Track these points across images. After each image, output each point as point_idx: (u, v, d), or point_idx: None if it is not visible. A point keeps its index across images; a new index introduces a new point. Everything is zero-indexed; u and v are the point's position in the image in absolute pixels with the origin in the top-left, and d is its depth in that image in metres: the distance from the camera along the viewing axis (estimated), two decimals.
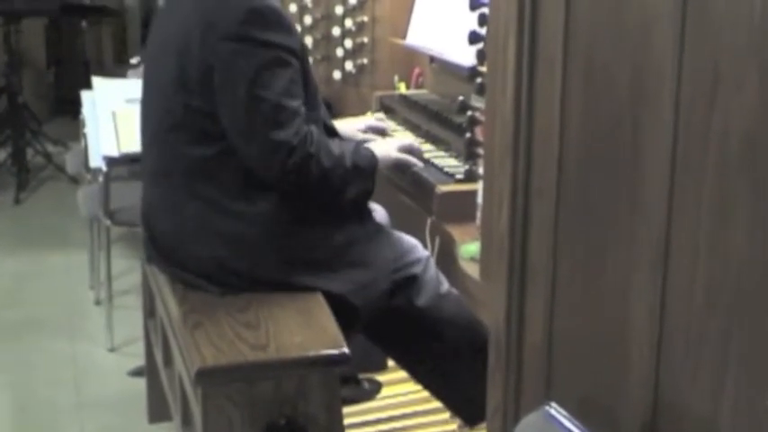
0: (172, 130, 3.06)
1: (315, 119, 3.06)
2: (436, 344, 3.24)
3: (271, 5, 2.94)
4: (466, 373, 3.14)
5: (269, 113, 2.91)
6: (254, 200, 3.02)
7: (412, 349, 3.32)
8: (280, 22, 2.94)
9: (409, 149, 3.35)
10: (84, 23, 9.04)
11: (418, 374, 3.42)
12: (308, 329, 2.89)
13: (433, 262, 3.28)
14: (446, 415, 3.64)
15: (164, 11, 3.33)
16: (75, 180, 5.65)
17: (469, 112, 2.93)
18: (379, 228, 3.24)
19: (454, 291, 3.18)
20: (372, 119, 3.75)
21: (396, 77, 4.15)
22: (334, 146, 3.08)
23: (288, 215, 3.04)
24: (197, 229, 3.05)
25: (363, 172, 3.11)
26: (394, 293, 3.17)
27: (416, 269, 3.21)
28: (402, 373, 3.91)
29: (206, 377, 2.75)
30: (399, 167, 3.31)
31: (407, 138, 3.57)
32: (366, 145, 3.25)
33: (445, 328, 3.21)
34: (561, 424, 1.89)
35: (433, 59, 3.91)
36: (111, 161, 4.47)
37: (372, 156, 3.17)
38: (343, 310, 3.09)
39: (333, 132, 3.22)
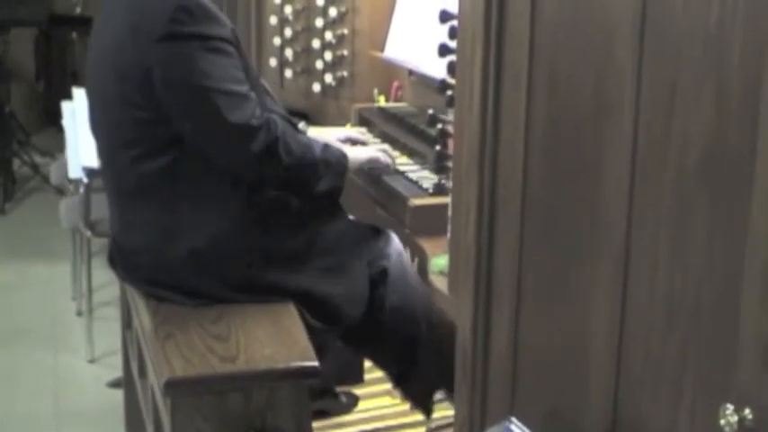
0: (124, 147, 3.01)
1: (261, 103, 3.02)
2: (407, 342, 3.23)
3: (195, 0, 2.92)
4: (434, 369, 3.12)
5: (219, 101, 2.88)
6: (220, 201, 2.99)
7: (384, 348, 3.30)
8: (207, 14, 2.91)
9: (384, 152, 3.37)
10: (73, 34, 9.04)
11: (389, 370, 3.41)
12: (278, 341, 2.88)
13: (404, 257, 3.25)
14: (422, 429, 3.63)
15: (98, 23, 3.28)
16: (60, 191, 5.65)
17: (440, 125, 2.92)
18: (352, 223, 3.22)
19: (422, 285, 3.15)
20: (353, 130, 3.74)
21: (375, 90, 4.14)
22: (302, 137, 3.07)
23: (256, 214, 3.01)
24: (164, 242, 3.02)
25: (334, 166, 3.09)
26: (371, 287, 3.15)
27: (386, 262, 3.19)
28: (380, 387, 3.91)
29: (175, 388, 2.73)
30: (370, 167, 3.32)
31: (380, 146, 3.56)
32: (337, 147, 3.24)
33: (415, 324, 3.18)
34: None
35: (411, 72, 3.91)
36: (90, 172, 4.45)
37: (342, 153, 3.16)
38: (322, 308, 3.09)
39: (293, 126, 3.19)
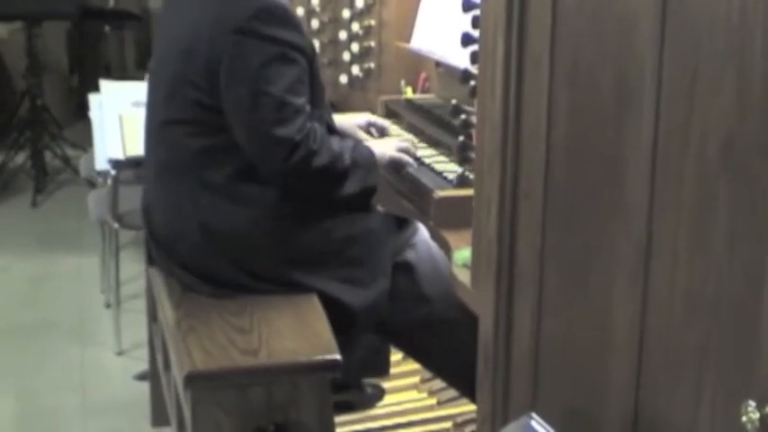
0: (173, 122, 3.06)
1: (318, 117, 3.04)
2: (440, 333, 3.20)
3: (280, 3, 2.96)
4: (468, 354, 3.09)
5: (272, 109, 2.90)
6: (254, 195, 3.01)
7: (418, 340, 3.28)
8: (288, 19, 2.95)
9: (406, 150, 3.34)
10: (106, 28, 9.07)
11: (428, 364, 3.39)
12: (300, 335, 2.86)
13: (433, 248, 3.22)
14: (449, 424, 3.61)
15: (166, 14, 3.32)
16: (90, 183, 5.66)
17: (463, 116, 2.89)
18: (379, 216, 3.21)
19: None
20: (372, 116, 3.73)
21: (402, 82, 4.11)
22: (335, 143, 3.07)
23: (288, 211, 3.03)
24: (194, 220, 3.04)
25: (362, 168, 3.10)
26: (394, 282, 3.13)
27: (413, 254, 3.17)
28: (406, 381, 3.89)
29: (195, 382, 2.72)
30: (394, 166, 3.30)
31: (405, 137, 3.54)
32: (364, 143, 3.24)
33: (450, 312, 3.15)
34: None
35: (438, 63, 3.87)
36: (117, 164, 4.45)
37: (371, 153, 3.16)
38: (344, 311, 3.07)
39: (332, 131, 3.20)
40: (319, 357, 2.78)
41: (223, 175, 3.02)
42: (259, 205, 3.01)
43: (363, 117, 3.65)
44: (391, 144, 3.38)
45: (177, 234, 3.10)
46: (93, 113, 4.82)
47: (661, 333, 1.77)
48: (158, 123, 3.17)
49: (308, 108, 2.98)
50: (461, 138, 2.93)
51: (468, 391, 3.20)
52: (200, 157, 3.03)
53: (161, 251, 3.21)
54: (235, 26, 2.91)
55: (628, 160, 1.81)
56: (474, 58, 2.71)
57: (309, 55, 3.01)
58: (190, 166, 3.05)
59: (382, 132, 3.61)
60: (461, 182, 3.03)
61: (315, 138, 2.97)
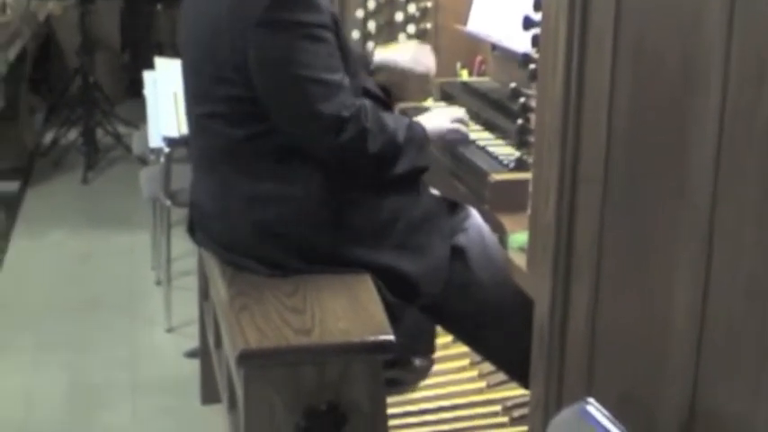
0: (212, 116, 3.05)
1: (356, 86, 3.03)
2: (492, 317, 3.19)
3: None
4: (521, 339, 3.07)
5: (313, 90, 2.89)
6: (301, 179, 3.00)
7: (470, 324, 3.27)
8: (304, 1, 2.91)
9: (460, 120, 3.35)
10: (158, 6, 9.10)
11: (479, 348, 3.38)
12: (354, 315, 2.86)
13: (486, 232, 3.21)
14: (498, 408, 3.60)
15: (186, 4, 3.29)
16: (142, 161, 5.69)
17: (522, 99, 2.88)
18: (432, 198, 3.20)
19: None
20: (417, 44, 3.73)
21: (458, 65, 4.09)
22: (389, 120, 3.06)
23: (336, 191, 3.02)
24: (242, 210, 3.03)
25: (416, 145, 3.10)
26: (449, 264, 3.13)
27: (464, 238, 3.17)
28: (456, 363, 3.89)
29: (248, 360, 2.72)
30: (449, 141, 3.31)
31: (456, 109, 3.52)
32: (417, 118, 3.24)
33: (500, 299, 3.14)
34: (597, 421, 1.83)
35: (494, 47, 3.86)
36: (171, 142, 4.47)
37: (424, 131, 3.16)
38: (402, 283, 3.07)
39: (383, 104, 3.19)
40: (372, 338, 2.78)
41: (269, 162, 3.01)
42: (306, 189, 3.00)
43: (408, 47, 3.66)
44: (445, 115, 3.38)
45: (229, 225, 3.10)
46: (148, 91, 4.85)
47: (721, 321, 1.75)
48: (196, 117, 3.18)
49: (347, 82, 2.97)
50: (520, 121, 2.91)
51: (519, 376, 3.19)
52: (244, 147, 3.03)
53: (211, 239, 3.21)
54: (253, 19, 2.88)
55: (692, 144, 1.79)
56: (535, 41, 2.69)
57: (333, 29, 2.99)
58: (232, 155, 3.05)
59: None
60: (519, 165, 3.01)
61: (366, 116, 2.96)
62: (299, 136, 2.98)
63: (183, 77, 3.24)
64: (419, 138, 3.12)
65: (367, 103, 3.01)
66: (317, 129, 2.94)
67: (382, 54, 3.54)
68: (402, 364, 3.43)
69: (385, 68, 3.52)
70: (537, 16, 2.64)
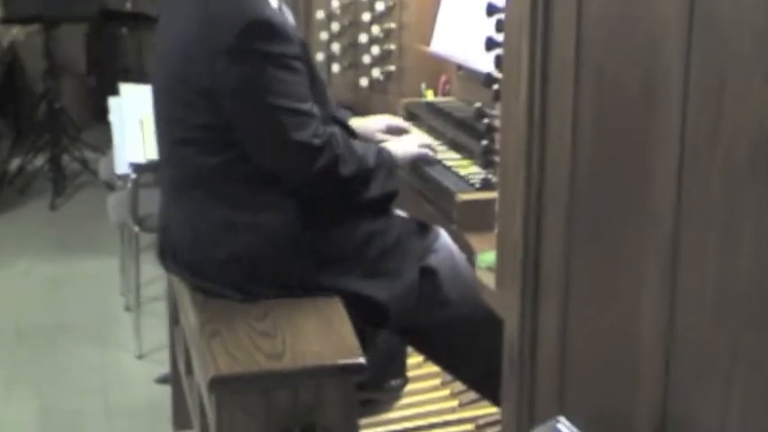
0: (182, 143, 3.06)
1: (325, 115, 3.04)
2: (462, 336, 3.20)
3: (266, 17, 2.92)
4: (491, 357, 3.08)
5: (284, 119, 2.90)
6: (273, 207, 3.01)
7: (440, 344, 3.28)
8: (276, 32, 2.92)
9: (427, 146, 3.39)
10: (124, 30, 9.09)
11: (450, 367, 3.39)
12: (325, 338, 2.87)
13: (456, 253, 3.23)
14: (471, 426, 3.61)
15: (162, 17, 3.29)
16: (109, 186, 5.68)
17: (486, 120, 2.90)
18: (401, 220, 3.22)
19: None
20: (392, 118, 3.73)
21: (423, 85, 4.11)
22: (358, 146, 3.08)
23: (308, 219, 3.03)
24: (215, 237, 3.04)
25: (384, 172, 3.13)
26: (420, 285, 3.14)
27: (434, 259, 3.18)
28: (428, 383, 3.90)
29: (220, 385, 2.73)
30: (417, 163, 3.34)
31: (423, 136, 3.55)
32: (385, 144, 3.28)
33: (471, 318, 3.15)
34: None
35: (459, 67, 3.88)
36: (137, 168, 4.47)
37: (392, 156, 3.20)
38: (371, 309, 3.08)
39: (350, 132, 3.21)
40: (344, 360, 2.79)
41: (240, 190, 3.03)
42: (279, 216, 3.01)
43: (383, 119, 3.65)
44: (412, 141, 3.41)
45: (200, 252, 3.10)
46: (113, 116, 4.84)
47: (690, 336, 1.76)
48: (167, 144, 3.18)
49: (316, 111, 2.98)
50: (485, 141, 2.93)
51: (490, 394, 3.20)
52: (214, 174, 3.03)
53: (182, 266, 3.20)
54: (223, 48, 2.89)
55: (655, 164, 1.81)
56: (498, 61, 2.71)
57: (304, 58, 3.01)
58: (205, 183, 3.05)
59: (401, 133, 3.61)
60: (485, 185, 3.03)
61: (337, 142, 2.98)
62: (271, 165, 2.98)
63: (154, 102, 3.24)
64: (388, 162, 3.14)
65: (337, 130, 3.02)
66: (290, 157, 2.95)
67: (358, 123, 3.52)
68: (375, 385, 3.44)
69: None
70: (499, 37, 2.66)
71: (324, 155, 2.95)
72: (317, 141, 2.94)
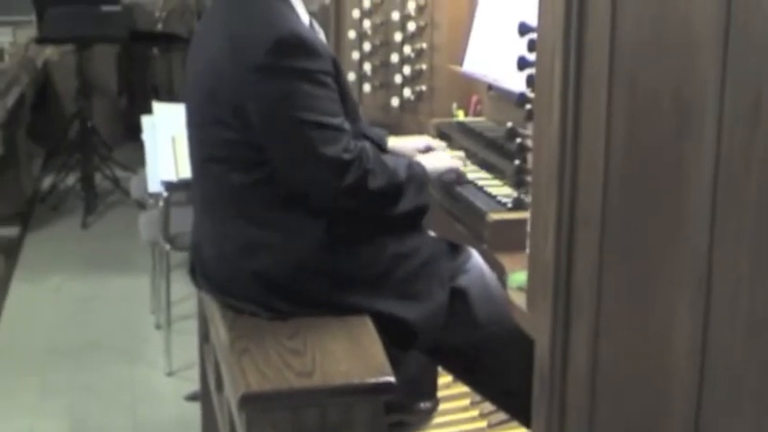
0: (212, 161, 3.06)
1: (356, 131, 3.04)
2: (493, 357, 3.19)
3: (297, 33, 2.93)
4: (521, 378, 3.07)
5: (314, 134, 2.90)
6: (303, 226, 3.01)
7: (470, 364, 3.27)
8: (305, 47, 2.93)
9: (458, 160, 3.39)
10: (155, 50, 9.14)
11: (480, 387, 3.38)
12: (354, 357, 2.86)
13: (487, 273, 3.22)
14: None
15: (197, 35, 3.34)
16: (140, 205, 5.70)
17: (519, 139, 2.90)
18: (431, 241, 3.21)
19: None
20: (430, 139, 3.72)
21: (454, 105, 4.11)
22: (389, 160, 3.08)
23: (338, 238, 3.03)
24: (244, 255, 3.04)
25: (415, 185, 3.11)
26: (451, 305, 3.13)
27: (465, 279, 3.17)
28: (456, 403, 3.89)
29: (250, 403, 2.73)
30: (446, 178, 3.33)
31: (458, 153, 3.55)
32: (416, 159, 3.27)
33: (501, 338, 3.14)
34: None
35: (490, 87, 3.88)
36: (169, 186, 4.48)
37: (424, 170, 3.18)
38: (400, 330, 3.07)
39: (382, 150, 3.20)
40: (373, 379, 2.78)
41: (269, 210, 3.02)
42: (309, 235, 3.01)
43: (422, 140, 3.64)
44: (444, 158, 3.40)
45: (229, 271, 3.10)
46: (146, 135, 4.86)
47: (722, 359, 1.76)
48: (198, 159, 3.19)
49: (347, 127, 2.98)
50: (517, 161, 2.93)
51: (519, 415, 3.19)
52: (244, 193, 3.03)
53: (212, 284, 3.21)
54: (254, 64, 2.90)
55: (688, 183, 1.80)
56: (530, 81, 2.71)
57: (334, 74, 3.01)
58: (234, 201, 3.05)
59: None
60: (517, 205, 3.02)
61: (368, 157, 2.98)
62: (301, 181, 2.99)
63: (187, 121, 3.25)
64: (419, 176, 3.13)
65: (367, 144, 3.02)
66: (319, 172, 2.95)
67: (396, 143, 3.52)
68: (405, 407, 3.44)
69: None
70: (532, 56, 2.66)
71: (353, 170, 2.94)
72: (346, 156, 2.94)
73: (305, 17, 3.08)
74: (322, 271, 3.03)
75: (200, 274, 3.24)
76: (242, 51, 2.93)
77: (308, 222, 3.01)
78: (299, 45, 2.91)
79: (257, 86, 2.90)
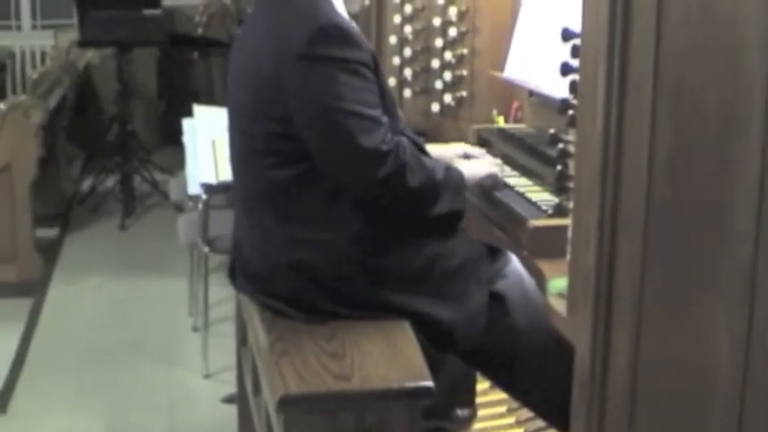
0: (253, 155, 3.08)
1: (394, 127, 3.04)
2: (531, 363, 3.18)
3: (336, 23, 2.96)
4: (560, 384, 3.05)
5: (352, 123, 2.91)
6: (343, 222, 3.01)
7: (508, 370, 3.26)
8: (346, 38, 2.94)
9: (496, 174, 3.37)
10: (195, 54, 9.18)
11: (517, 394, 3.37)
12: (393, 361, 2.86)
13: (525, 278, 3.21)
14: None
15: (239, 36, 3.37)
16: (179, 207, 5.73)
17: (561, 145, 2.89)
18: (470, 243, 3.20)
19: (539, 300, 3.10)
20: (468, 146, 3.72)
21: (494, 111, 4.11)
22: (426, 159, 3.08)
23: (376, 234, 3.03)
24: (285, 250, 3.05)
25: (453, 188, 3.11)
26: (488, 310, 3.13)
27: (503, 284, 3.17)
28: (493, 410, 3.88)
29: (289, 405, 2.73)
30: (484, 186, 3.33)
31: (495, 160, 3.54)
32: (455, 164, 3.26)
33: (539, 344, 3.13)
34: None
35: (531, 93, 3.87)
36: (209, 189, 4.50)
37: (461, 174, 3.17)
38: (437, 331, 3.07)
39: (420, 149, 3.20)
40: (412, 384, 2.78)
41: (310, 206, 3.04)
42: (348, 232, 3.02)
43: (459, 147, 3.64)
44: (481, 164, 3.39)
45: (268, 267, 3.11)
46: (187, 138, 4.89)
47: (766, 366, 1.74)
48: (239, 156, 3.21)
49: (385, 120, 2.99)
50: (559, 167, 2.92)
51: (558, 422, 3.18)
52: (285, 189, 3.04)
53: (251, 283, 3.22)
54: (295, 53, 2.92)
55: (734, 189, 1.79)
56: (573, 87, 2.71)
57: (373, 68, 3.02)
58: (276, 198, 3.07)
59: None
60: (558, 211, 3.02)
61: (404, 150, 2.97)
62: (337, 171, 2.99)
63: (229, 119, 3.28)
64: (456, 180, 3.13)
65: (404, 140, 3.02)
66: (356, 163, 2.95)
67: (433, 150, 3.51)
68: (443, 413, 3.43)
69: None
70: (575, 62, 2.65)
71: (390, 162, 2.93)
72: (384, 147, 2.93)
73: (345, 15, 3.09)
74: (361, 267, 3.03)
75: (241, 272, 3.25)
76: (283, 42, 2.95)
77: (348, 219, 3.02)
78: (338, 35, 2.93)
79: (297, 75, 2.92)
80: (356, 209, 3.02)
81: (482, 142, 3.92)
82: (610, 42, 2.12)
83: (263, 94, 3.00)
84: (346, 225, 3.01)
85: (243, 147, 3.15)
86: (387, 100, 3.07)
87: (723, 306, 1.84)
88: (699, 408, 1.93)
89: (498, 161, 3.52)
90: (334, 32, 2.93)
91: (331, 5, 3.05)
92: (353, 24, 3.14)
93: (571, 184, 2.71)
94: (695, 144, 1.91)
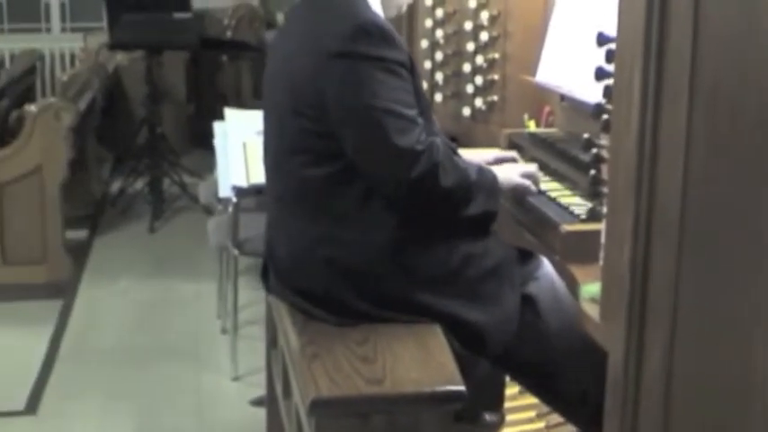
0: (289, 154, 3.08)
1: (429, 129, 3.04)
2: (562, 368, 3.17)
3: (376, 22, 2.97)
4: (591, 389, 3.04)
5: (387, 122, 2.91)
6: (377, 221, 3.01)
7: (539, 375, 3.25)
8: (385, 37, 2.95)
9: (531, 175, 3.34)
10: (224, 58, 9.21)
11: (547, 398, 3.36)
12: (424, 365, 2.86)
13: (557, 283, 3.20)
14: None
15: (277, 38, 3.39)
16: (208, 210, 5.75)
17: (594, 150, 2.89)
18: (503, 246, 3.20)
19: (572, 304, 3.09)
20: (501, 151, 3.71)
21: (525, 115, 4.11)
22: (460, 160, 3.09)
23: (409, 234, 3.03)
24: (317, 248, 3.05)
25: (487, 189, 3.10)
26: (520, 313, 3.12)
27: (535, 287, 3.16)
28: (522, 415, 3.87)
29: (320, 408, 2.74)
30: (517, 192, 3.32)
31: (528, 165, 3.52)
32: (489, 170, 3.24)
33: (571, 349, 3.13)
34: None
35: (563, 97, 3.87)
36: (239, 191, 4.51)
37: (494, 176, 3.16)
38: (468, 333, 3.07)
39: (453, 151, 3.20)
40: (443, 388, 2.78)
41: (344, 204, 3.04)
42: (382, 231, 3.02)
43: (492, 152, 3.63)
44: (516, 169, 3.38)
45: (300, 263, 3.12)
46: (217, 140, 4.90)
47: None
48: (274, 156, 3.21)
49: (420, 120, 2.99)
50: (593, 172, 2.92)
51: (588, 427, 3.17)
52: (320, 187, 3.05)
53: (283, 283, 3.22)
54: (333, 51, 2.94)
55: None
56: (607, 92, 2.70)
57: (409, 68, 3.03)
58: (310, 196, 3.07)
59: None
60: (591, 216, 3.01)
61: (437, 152, 2.97)
62: (372, 170, 2.99)
63: (264, 119, 3.29)
64: (489, 181, 3.12)
65: (438, 140, 3.02)
66: (390, 161, 2.95)
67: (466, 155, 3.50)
68: (471, 417, 3.42)
69: None
70: (610, 67, 2.65)
71: (423, 162, 2.93)
72: (419, 147, 2.93)
73: (382, 15, 3.10)
74: (393, 266, 3.03)
75: (273, 272, 3.26)
76: (321, 40, 2.97)
77: (381, 218, 3.02)
78: (377, 34, 2.95)
79: (334, 72, 2.93)
80: (390, 208, 3.02)
81: (513, 147, 3.91)
82: (646, 47, 2.11)
83: (299, 92, 3.01)
84: (379, 224, 3.02)
85: (278, 146, 3.16)
86: (422, 102, 3.08)
87: (760, 311, 1.83)
88: (734, 414, 1.92)
89: (534, 165, 3.50)
90: (373, 31, 2.94)
91: (369, 6, 3.06)
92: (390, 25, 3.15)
93: (604, 189, 2.71)
94: (731, 150, 1.90)
